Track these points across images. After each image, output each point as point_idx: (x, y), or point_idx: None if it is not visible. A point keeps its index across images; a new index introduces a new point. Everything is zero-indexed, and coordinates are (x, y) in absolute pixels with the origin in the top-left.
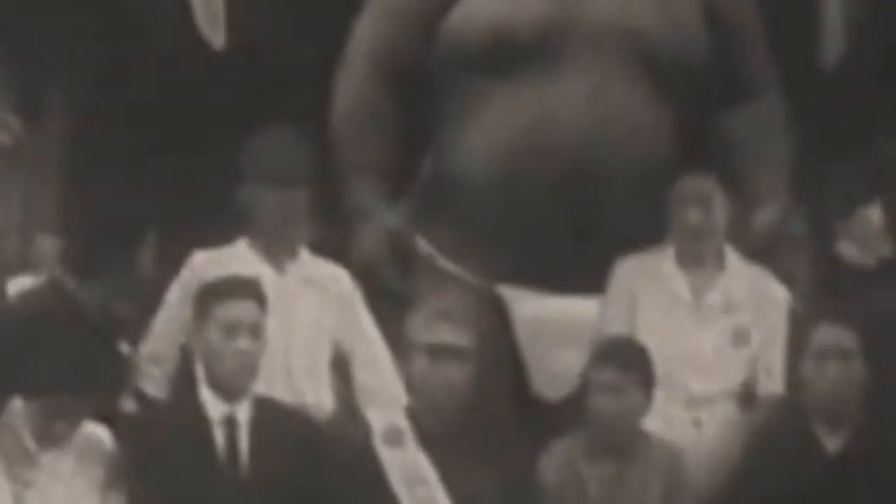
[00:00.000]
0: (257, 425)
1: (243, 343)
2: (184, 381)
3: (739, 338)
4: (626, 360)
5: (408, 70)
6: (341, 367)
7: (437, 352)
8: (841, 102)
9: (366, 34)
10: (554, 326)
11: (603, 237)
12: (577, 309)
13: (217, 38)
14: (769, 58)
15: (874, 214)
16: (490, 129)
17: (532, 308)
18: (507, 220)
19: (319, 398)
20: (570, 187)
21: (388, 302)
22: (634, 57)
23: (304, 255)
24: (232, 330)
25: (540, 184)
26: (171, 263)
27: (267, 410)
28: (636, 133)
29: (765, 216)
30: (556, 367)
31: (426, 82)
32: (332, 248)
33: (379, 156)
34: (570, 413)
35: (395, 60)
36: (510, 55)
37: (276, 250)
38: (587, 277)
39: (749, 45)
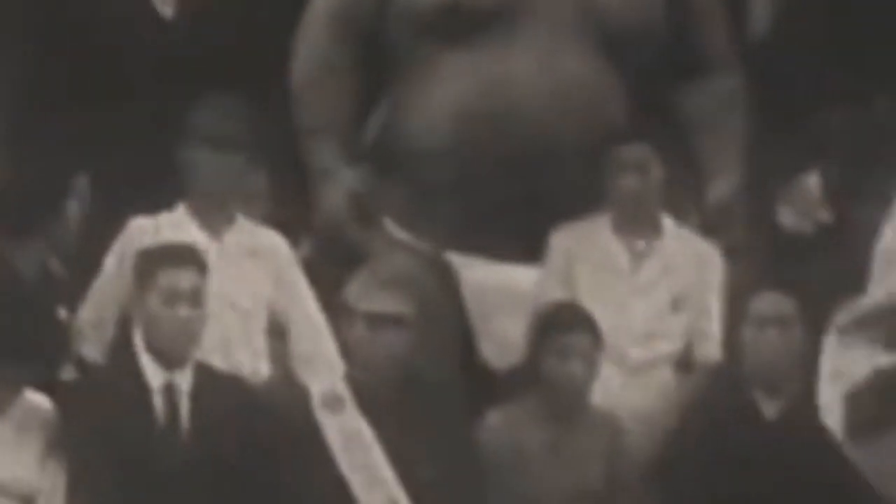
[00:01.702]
0: (198, 393)
1: (184, 310)
2: (123, 349)
3: (677, 304)
4: (579, 324)
5: (366, 33)
6: (278, 334)
7: (375, 320)
8: (779, 71)
9: None
10: (503, 294)
11: (554, 206)
12: (527, 277)
13: (166, 6)
14: (729, 34)
15: (812, 181)
16: (443, 95)
17: (481, 275)
18: (457, 187)
19: (256, 366)
20: (521, 155)
21: (352, 264)
22: (590, 27)
23: (241, 221)
24: (172, 297)
25: (492, 151)
26: (105, 223)
27: (207, 378)
28: (589, 103)
29: (718, 191)
30: (504, 335)
31: (384, 45)
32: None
33: (339, 117)
34: (516, 381)
35: (353, 23)
36: (465, 21)
37: (214, 217)
38: (538, 246)
39: (708, 20)
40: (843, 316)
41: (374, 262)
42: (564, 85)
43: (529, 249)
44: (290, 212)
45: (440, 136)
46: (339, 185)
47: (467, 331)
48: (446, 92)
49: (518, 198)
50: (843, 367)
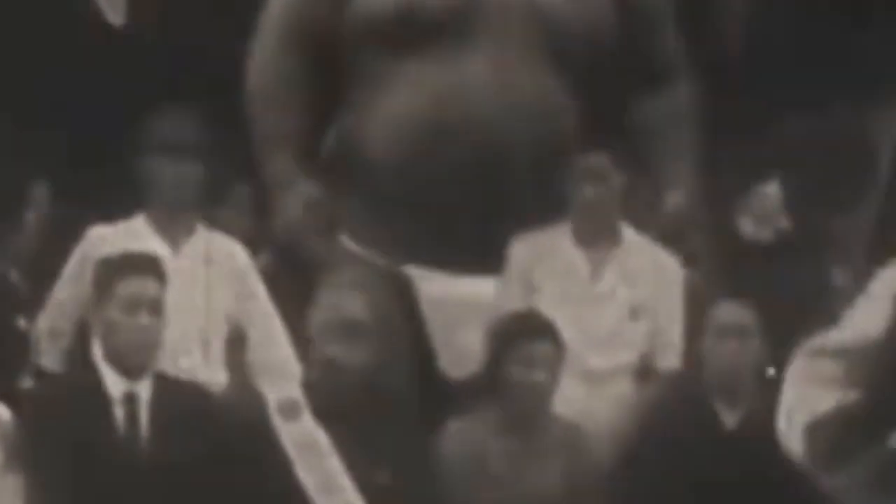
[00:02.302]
0: (157, 402)
1: (144, 319)
2: (82, 358)
3: (636, 313)
4: (541, 333)
5: (320, 44)
6: (236, 342)
7: (335, 328)
8: (740, 80)
9: (279, 6)
10: (461, 306)
11: (510, 216)
12: (485, 289)
13: (116, 14)
14: (679, 44)
15: (772, 190)
16: (396, 106)
17: (439, 288)
18: (413, 199)
19: (213, 374)
20: (475, 166)
21: (310, 273)
22: (542, 37)
23: (201, 230)
24: (132, 306)
25: (446, 163)
26: (64, 231)
27: (166, 387)
28: (542, 113)
29: (672, 200)
30: (462, 346)
31: (338, 57)
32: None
33: (294, 129)
34: (474, 391)
35: (307, 34)
36: (418, 32)
37: (173, 226)
38: (494, 257)
39: (658, 30)
40: (811, 344)
41: (332, 275)
42: (517, 95)
43: (486, 260)
44: (250, 222)
45: (394, 148)
46: (297, 197)
47: (425, 343)
48: (400, 103)
49: (474, 209)
50: (806, 396)
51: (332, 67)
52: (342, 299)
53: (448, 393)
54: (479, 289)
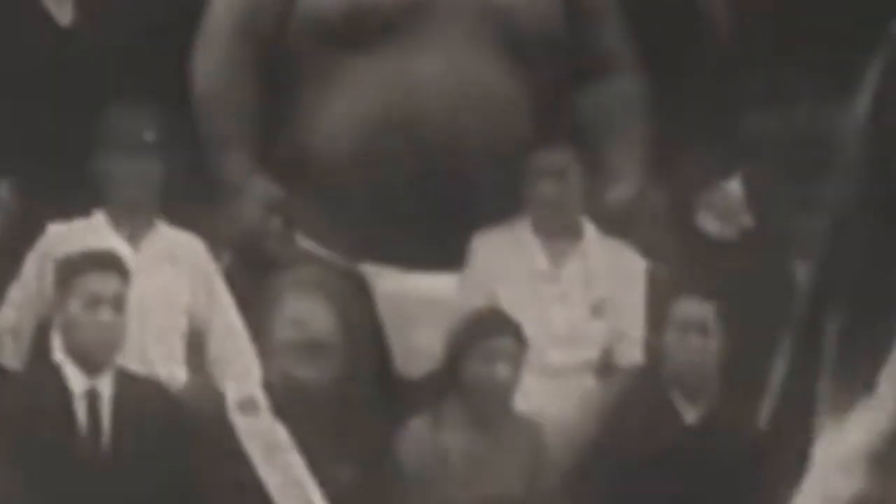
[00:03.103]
0: (119, 399)
1: (105, 315)
2: (42, 355)
3: (598, 308)
4: (503, 329)
5: (268, 42)
6: (196, 339)
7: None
8: (702, 77)
9: (223, 5)
10: (418, 303)
11: (466, 212)
12: (440, 285)
13: (63, 13)
14: (625, 35)
15: (734, 187)
16: (350, 104)
17: (394, 285)
18: (368, 196)
19: (173, 372)
20: (431, 162)
21: (269, 272)
22: (493, 30)
23: (161, 227)
24: (94, 303)
25: (401, 159)
26: (23, 229)
27: (127, 383)
28: (495, 107)
29: (618, 193)
30: (418, 344)
31: (287, 54)
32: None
33: (248, 126)
34: (430, 389)
35: (255, 32)
36: (369, 29)
37: (132, 223)
38: (449, 253)
39: (604, 22)
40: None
41: (292, 276)
42: (470, 89)
43: (443, 257)
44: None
45: (348, 145)
46: (255, 195)
47: (381, 341)
48: (353, 100)
49: (429, 205)
50: (829, 489)
51: (280, 66)
52: (310, 316)
53: (403, 392)
54: (434, 285)
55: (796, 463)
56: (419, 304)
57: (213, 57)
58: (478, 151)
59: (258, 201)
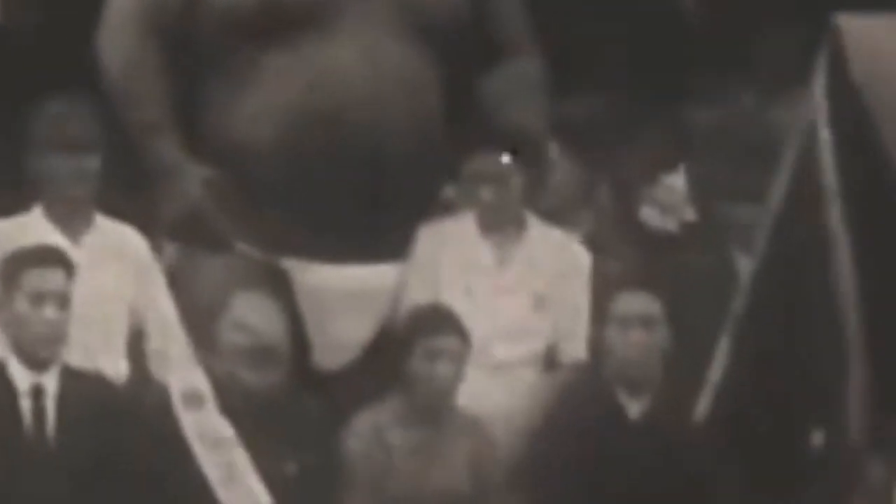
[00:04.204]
0: (64, 395)
1: (50, 312)
2: None
3: (541, 303)
4: (446, 327)
5: (175, 33)
6: (139, 333)
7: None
8: (640, 68)
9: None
10: (338, 296)
11: (386, 202)
12: (361, 277)
13: None
14: (524, 19)
15: (678, 180)
16: (267, 96)
17: (315, 278)
18: (288, 189)
19: (115, 366)
20: (350, 153)
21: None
22: (406, 17)
23: (100, 221)
24: (39, 299)
25: (320, 150)
26: None
27: (72, 379)
28: (411, 92)
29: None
30: (337, 336)
31: (198, 45)
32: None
33: (168, 113)
34: (348, 382)
35: (162, 24)
36: (282, 22)
37: (72, 218)
38: (371, 244)
39: (506, 7)
40: None
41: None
42: (386, 76)
43: (364, 249)
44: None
45: (267, 138)
46: (193, 177)
47: (302, 334)
48: (271, 92)
49: (349, 196)
50: None
51: (197, 58)
52: (259, 321)
53: (323, 384)
54: (355, 276)
55: (736, 456)
56: (341, 296)
57: (122, 44)
58: (395, 138)
59: (197, 181)
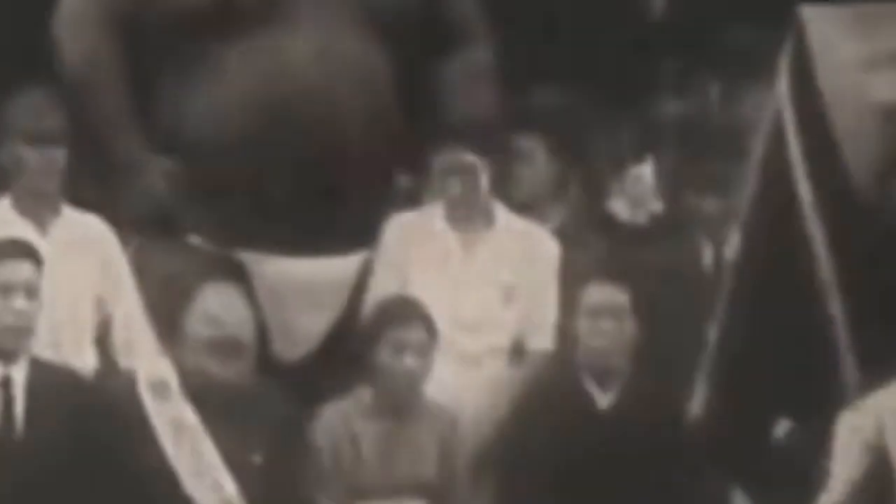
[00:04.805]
0: (32, 386)
1: (19, 303)
2: None
3: (509, 294)
4: (414, 319)
5: (135, 25)
6: (106, 323)
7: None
8: (616, 59)
9: None
10: (295, 288)
11: (340, 194)
12: (316, 269)
13: None
14: (475, 6)
15: (646, 172)
16: (222, 91)
17: (272, 270)
18: (245, 183)
19: (83, 357)
20: (305, 144)
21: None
22: (357, 8)
23: (68, 212)
24: (7, 290)
25: (275, 143)
26: None
27: (41, 371)
28: (365, 84)
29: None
30: (296, 328)
31: (158, 40)
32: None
33: (129, 108)
34: (306, 374)
35: (120, 13)
36: (236, 15)
37: (38, 209)
38: (327, 237)
39: None
40: None
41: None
42: (341, 68)
43: (319, 241)
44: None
45: (221, 132)
46: (156, 169)
47: (260, 327)
48: (225, 86)
49: (305, 189)
50: None
51: (152, 53)
52: (227, 313)
53: (282, 375)
54: (312, 269)
55: (724, 451)
56: (296, 288)
57: (80, 37)
58: (351, 130)
59: (160, 173)
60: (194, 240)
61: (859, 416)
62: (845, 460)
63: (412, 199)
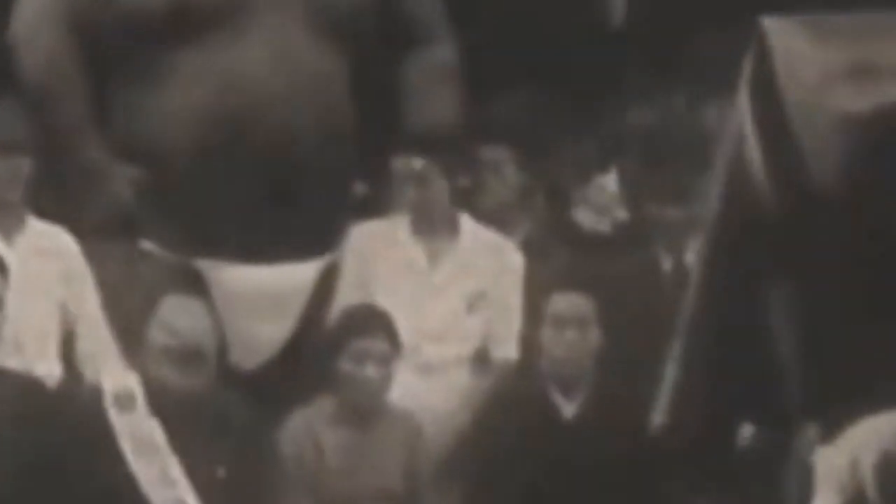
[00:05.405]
0: None
1: None
2: None
3: (473, 303)
4: (376, 329)
5: (90, 35)
6: (71, 335)
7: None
8: (579, 69)
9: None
10: (252, 296)
11: (297, 201)
12: (274, 277)
13: None
14: (437, 6)
15: (610, 181)
16: (177, 97)
17: (229, 278)
18: (202, 190)
19: (48, 368)
20: (261, 151)
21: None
22: (313, 13)
23: (33, 223)
24: None
25: (231, 150)
26: None
27: (5, 380)
28: (322, 90)
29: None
30: (253, 335)
31: (111, 47)
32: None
33: (89, 112)
34: (265, 382)
35: (77, 19)
36: (191, 21)
37: (4, 219)
38: (284, 244)
39: None
40: None
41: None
42: (298, 72)
43: (276, 249)
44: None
45: (177, 139)
46: (120, 177)
47: (220, 337)
48: (183, 94)
49: (261, 197)
50: None
51: (108, 59)
52: (187, 322)
53: (240, 384)
54: (268, 277)
55: (688, 458)
56: (254, 296)
57: (40, 43)
58: (310, 138)
59: (123, 181)
60: (149, 246)
61: (836, 453)
62: (823, 498)
63: (371, 207)
